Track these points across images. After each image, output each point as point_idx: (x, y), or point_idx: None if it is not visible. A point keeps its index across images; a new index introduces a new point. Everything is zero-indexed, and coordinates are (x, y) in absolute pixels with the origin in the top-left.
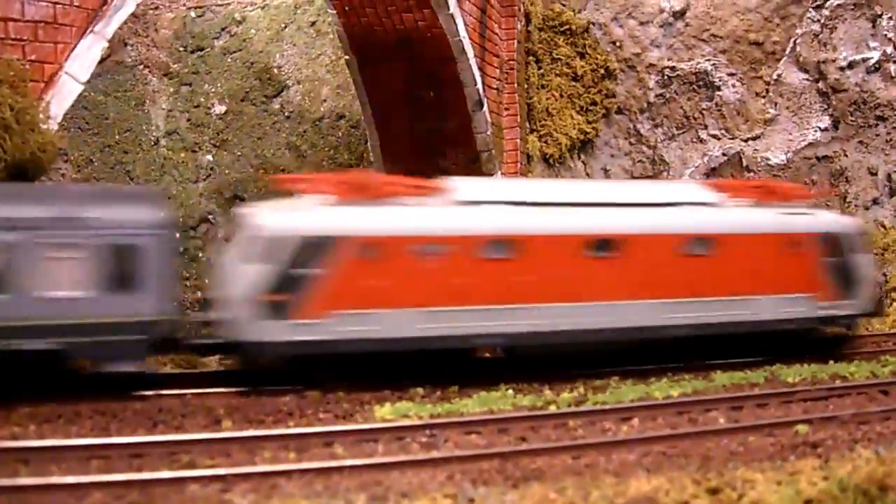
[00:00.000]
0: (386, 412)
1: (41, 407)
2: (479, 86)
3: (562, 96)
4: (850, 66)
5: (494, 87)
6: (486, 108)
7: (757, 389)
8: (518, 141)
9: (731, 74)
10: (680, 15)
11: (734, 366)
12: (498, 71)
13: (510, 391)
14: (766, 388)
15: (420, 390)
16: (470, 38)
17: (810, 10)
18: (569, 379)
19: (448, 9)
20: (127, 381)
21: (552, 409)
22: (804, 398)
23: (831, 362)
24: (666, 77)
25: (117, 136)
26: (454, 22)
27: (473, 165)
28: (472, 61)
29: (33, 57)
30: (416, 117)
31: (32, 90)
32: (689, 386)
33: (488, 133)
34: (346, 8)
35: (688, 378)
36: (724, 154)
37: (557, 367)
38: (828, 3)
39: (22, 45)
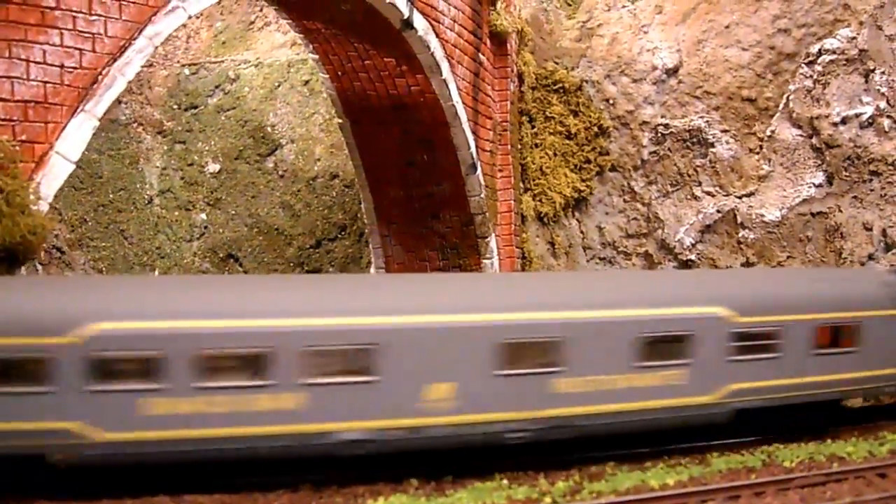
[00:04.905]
0: None
1: None
2: (473, 149)
3: (555, 155)
4: (844, 121)
5: (488, 149)
6: (479, 170)
7: (754, 476)
8: (512, 202)
9: (725, 131)
10: (673, 72)
11: (731, 447)
12: (491, 133)
13: (504, 480)
14: (764, 473)
15: (414, 481)
16: (463, 102)
17: (803, 65)
18: (564, 466)
19: (441, 74)
20: None
21: (547, 501)
22: (801, 485)
23: (829, 441)
24: (659, 134)
25: (111, 195)
26: (447, 87)
27: (467, 228)
28: (466, 125)
29: (23, 137)
30: (410, 180)
31: (23, 171)
32: (685, 472)
33: (482, 196)
34: (339, 73)
35: (684, 462)
36: (718, 211)
37: (553, 452)
38: (820, 59)
39: (12, 126)
